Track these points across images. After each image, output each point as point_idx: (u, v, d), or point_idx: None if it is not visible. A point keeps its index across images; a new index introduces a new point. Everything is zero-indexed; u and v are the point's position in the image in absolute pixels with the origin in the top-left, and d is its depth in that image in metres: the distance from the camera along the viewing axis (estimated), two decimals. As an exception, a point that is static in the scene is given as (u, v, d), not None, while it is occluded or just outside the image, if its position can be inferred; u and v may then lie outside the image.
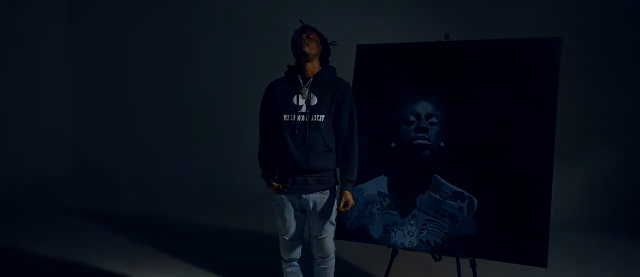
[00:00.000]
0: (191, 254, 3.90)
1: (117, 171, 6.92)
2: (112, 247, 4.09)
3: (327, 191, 2.45)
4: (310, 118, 2.36)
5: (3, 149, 6.45)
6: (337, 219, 2.56)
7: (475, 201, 2.66)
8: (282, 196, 2.45)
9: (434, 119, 2.81)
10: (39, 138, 6.97)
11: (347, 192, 2.41)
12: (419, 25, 5.26)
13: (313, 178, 2.39)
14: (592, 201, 4.96)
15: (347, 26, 5.28)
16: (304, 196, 2.42)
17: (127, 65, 7.13)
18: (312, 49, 2.37)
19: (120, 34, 7.13)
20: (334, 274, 2.64)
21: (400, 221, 2.81)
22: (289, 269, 2.63)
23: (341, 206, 2.40)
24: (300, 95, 2.39)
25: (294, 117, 2.37)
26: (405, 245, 2.78)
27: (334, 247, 2.59)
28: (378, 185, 2.89)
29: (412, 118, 2.86)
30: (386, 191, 2.87)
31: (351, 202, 2.41)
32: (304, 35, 2.37)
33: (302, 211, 2.49)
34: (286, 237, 2.53)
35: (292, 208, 2.47)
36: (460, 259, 2.82)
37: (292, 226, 2.51)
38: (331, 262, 2.60)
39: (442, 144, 2.78)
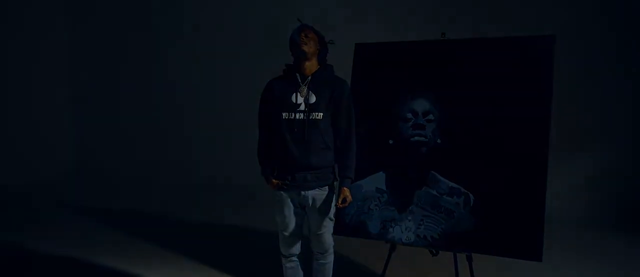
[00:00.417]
0: (191, 250, 3.94)
1: (118, 170, 6.95)
2: (113, 245, 4.13)
3: (326, 188, 2.49)
4: (308, 116, 2.40)
5: (5, 148, 6.48)
6: (335, 215, 2.61)
7: (472, 197, 2.70)
8: (282, 192, 2.49)
9: (430, 117, 2.86)
10: (40, 137, 6.99)
11: (345, 188, 2.44)
12: (417, 24, 5.30)
13: (312, 175, 2.43)
14: (588, 197, 5.00)
15: (346, 25, 5.33)
16: (303, 193, 2.46)
17: (128, 64, 7.15)
18: (310, 47, 2.40)
19: (122, 33, 7.15)
20: (333, 269, 2.68)
21: (398, 216, 2.85)
22: (288, 265, 2.67)
23: (339, 202, 2.44)
24: (298, 94, 2.43)
25: (293, 115, 2.40)
26: (403, 240, 2.83)
27: (333, 243, 2.63)
28: (376, 181, 2.93)
29: (410, 115, 2.91)
30: (384, 187, 2.91)
31: (349, 198, 2.44)
32: (303, 34, 2.39)
33: (301, 207, 2.53)
34: (286, 233, 2.58)
35: (291, 204, 2.51)
36: (457, 254, 2.86)
37: (292, 222, 2.55)
38: (330, 258, 2.65)
39: (438, 141, 2.82)
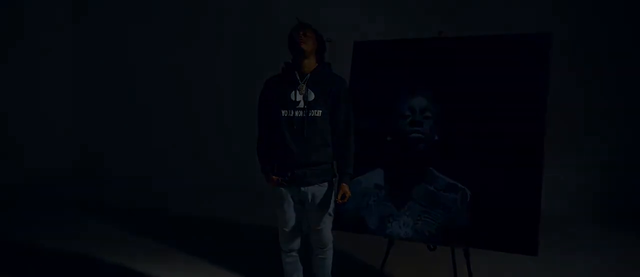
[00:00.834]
0: (192, 245, 3.97)
1: (120, 168, 6.96)
2: (114, 242, 4.16)
3: (325, 184, 2.52)
4: (307, 113, 2.43)
5: (7, 146, 6.50)
6: (334, 211, 2.64)
7: (469, 193, 2.73)
8: (281, 188, 2.52)
9: (428, 113, 2.89)
10: (43, 135, 7.00)
11: (344, 184, 2.47)
12: (415, 23, 5.30)
13: (311, 171, 2.46)
14: (584, 193, 5.04)
15: (344, 24, 5.34)
16: (302, 189, 2.49)
17: (131, 62, 7.13)
18: (308, 45, 2.42)
19: (124, 31, 7.13)
20: (332, 264, 2.72)
21: (396, 212, 2.89)
22: (288, 259, 2.71)
23: (339, 198, 2.46)
24: (297, 91, 2.46)
25: (292, 112, 2.43)
26: (401, 235, 2.86)
27: (332, 238, 2.67)
28: (375, 177, 2.96)
29: (408, 112, 2.94)
30: (382, 183, 2.94)
31: (348, 194, 2.47)
32: (301, 33, 2.41)
33: (300, 203, 2.56)
34: (285, 229, 2.61)
35: (291, 201, 2.55)
36: (455, 249, 2.90)
37: (291, 217, 2.58)
38: (329, 253, 2.68)
39: (436, 138, 2.85)
